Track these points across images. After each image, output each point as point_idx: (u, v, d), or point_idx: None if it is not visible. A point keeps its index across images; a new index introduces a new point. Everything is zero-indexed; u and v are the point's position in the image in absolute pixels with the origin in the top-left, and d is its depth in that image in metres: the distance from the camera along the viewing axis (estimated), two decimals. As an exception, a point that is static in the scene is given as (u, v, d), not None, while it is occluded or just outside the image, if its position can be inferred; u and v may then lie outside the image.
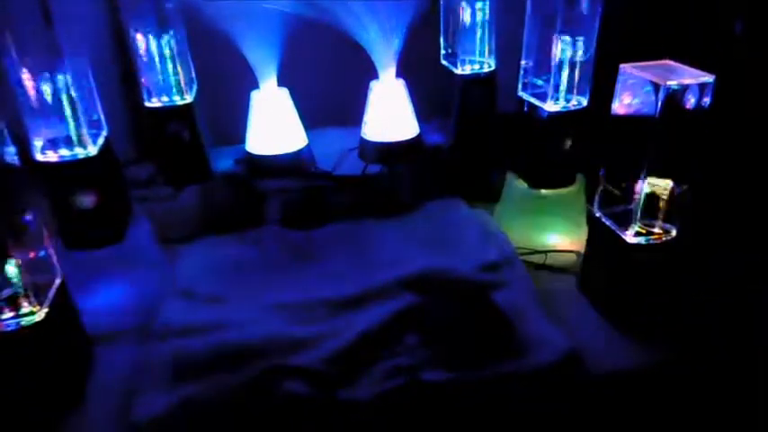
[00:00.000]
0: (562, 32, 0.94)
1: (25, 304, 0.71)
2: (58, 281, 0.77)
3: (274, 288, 0.96)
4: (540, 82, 1.04)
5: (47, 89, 0.80)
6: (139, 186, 1.12)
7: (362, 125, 1.20)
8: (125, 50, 1.12)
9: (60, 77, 0.80)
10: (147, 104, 1.05)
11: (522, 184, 1.11)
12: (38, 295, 0.72)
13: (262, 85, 1.13)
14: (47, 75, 0.79)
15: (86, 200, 0.85)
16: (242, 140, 1.17)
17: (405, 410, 0.77)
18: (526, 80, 1.07)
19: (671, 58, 0.81)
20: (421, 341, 0.84)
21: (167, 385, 0.77)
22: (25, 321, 0.70)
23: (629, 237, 0.83)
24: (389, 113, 1.17)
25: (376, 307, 0.89)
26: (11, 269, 0.69)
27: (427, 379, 0.78)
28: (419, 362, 0.80)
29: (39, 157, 0.85)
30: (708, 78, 0.74)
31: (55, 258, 0.77)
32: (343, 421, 0.76)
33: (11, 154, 0.70)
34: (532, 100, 1.05)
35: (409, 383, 0.78)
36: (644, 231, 0.83)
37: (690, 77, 0.75)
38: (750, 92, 1.05)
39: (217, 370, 0.79)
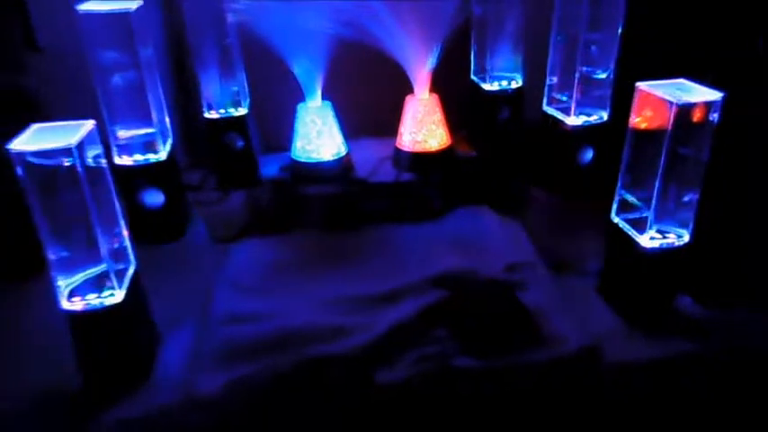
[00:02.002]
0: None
1: (108, 286, 0.82)
2: (133, 268, 0.87)
3: (315, 284, 1.04)
4: (564, 98, 1.12)
5: (129, 100, 0.91)
6: (192, 191, 1.23)
7: (398, 136, 1.28)
8: (180, 66, 1.24)
9: (142, 89, 0.92)
10: (207, 116, 1.16)
11: (545, 193, 1.19)
12: (118, 279, 0.83)
13: (307, 99, 1.22)
14: (130, 86, 0.91)
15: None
16: (288, 149, 1.26)
17: (432, 394, 0.85)
18: (551, 96, 1.15)
19: (693, 75, 0.87)
20: (449, 332, 0.91)
21: (222, 366, 0.85)
22: (108, 301, 0.81)
23: (645, 241, 0.90)
24: (423, 125, 1.25)
25: (408, 302, 0.96)
26: (101, 254, 0.79)
27: (455, 365, 0.86)
28: (447, 350, 0.88)
29: (116, 160, 0.97)
30: (716, 96, 0.81)
31: (131, 248, 0.88)
32: (375, 402, 0.84)
33: (100, 156, 0.81)
34: (557, 114, 1.13)
35: (438, 369, 0.85)
36: (659, 236, 0.90)
37: (699, 95, 0.82)
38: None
39: (264, 353, 0.87)
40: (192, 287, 1.01)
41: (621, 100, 0.93)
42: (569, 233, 1.13)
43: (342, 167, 1.24)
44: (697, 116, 0.81)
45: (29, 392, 0.82)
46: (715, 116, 0.81)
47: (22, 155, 0.71)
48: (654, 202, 0.87)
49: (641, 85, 0.87)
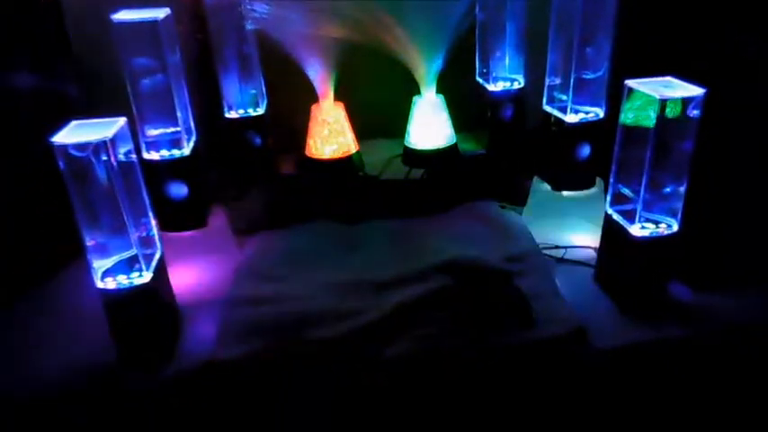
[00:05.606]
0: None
1: (137, 268, 0.90)
2: (159, 254, 0.96)
3: (325, 271, 1.09)
4: (563, 97, 1.18)
5: (157, 101, 1.00)
6: (213, 188, 1.32)
7: (406, 135, 1.35)
8: (203, 70, 1.32)
9: (169, 91, 1.00)
10: (227, 115, 1.24)
11: (546, 187, 1.24)
12: (146, 262, 0.91)
13: (321, 100, 1.30)
14: (158, 88, 1.00)
15: None
16: (303, 146, 1.33)
17: (429, 371, 0.91)
18: (551, 95, 1.20)
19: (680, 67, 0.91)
20: (448, 316, 0.97)
21: (240, 341, 0.92)
22: (137, 282, 0.90)
23: (636, 231, 0.95)
24: (430, 125, 1.32)
25: (411, 287, 1.02)
26: (133, 239, 0.88)
27: (451, 344, 0.92)
28: (446, 331, 0.94)
29: (145, 155, 1.06)
30: (698, 92, 0.86)
31: (158, 236, 0.96)
32: (373, 377, 0.89)
33: (131, 151, 0.90)
34: (555, 112, 1.18)
35: (435, 347, 0.91)
36: (652, 226, 0.95)
37: (683, 91, 0.87)
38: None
39: (279, 332, 0.94)
40: (211, 270, 1.09)
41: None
42: (569, 224, 1.18)
43: (353, 164, 1.31)
44: (679, 111, 0.85)
45: (71, 362, 0.91)
46: (696, 111, 0.86)
47: (63, 147, 0.80)
48: (642, 193, 0.92)
49: (629, 81, 0.92)
